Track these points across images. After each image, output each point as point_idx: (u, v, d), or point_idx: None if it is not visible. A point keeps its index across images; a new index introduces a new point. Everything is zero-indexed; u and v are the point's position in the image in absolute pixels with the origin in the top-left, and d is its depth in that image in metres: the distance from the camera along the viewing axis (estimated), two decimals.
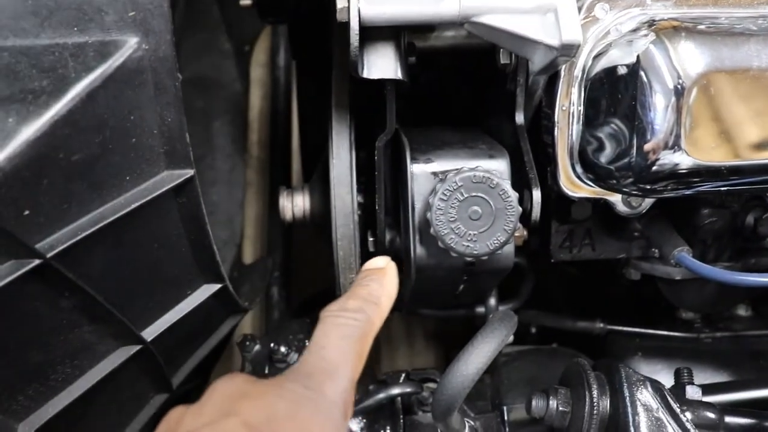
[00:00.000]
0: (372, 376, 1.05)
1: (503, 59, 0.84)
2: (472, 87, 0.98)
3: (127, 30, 0.68)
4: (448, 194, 0.75)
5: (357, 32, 0.73)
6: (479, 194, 0.75)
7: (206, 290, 0.87)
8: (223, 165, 1.48)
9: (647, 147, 0.78)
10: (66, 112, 0.65)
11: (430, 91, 1.00)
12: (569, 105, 0.84)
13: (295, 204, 0.96)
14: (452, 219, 0.75)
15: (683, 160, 0.78)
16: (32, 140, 0.64)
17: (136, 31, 0.68)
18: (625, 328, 1.14)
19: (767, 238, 0.98)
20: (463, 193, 0.75)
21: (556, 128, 0.84)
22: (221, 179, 1.46)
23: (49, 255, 0.68)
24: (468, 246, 0.76)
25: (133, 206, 0.72)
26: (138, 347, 0.82)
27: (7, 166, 0.63)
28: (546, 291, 1.25)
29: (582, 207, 0.94)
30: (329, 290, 1.39)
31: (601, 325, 1.16)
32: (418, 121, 1.04)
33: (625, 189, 0.84)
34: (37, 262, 0.67)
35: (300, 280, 1.42)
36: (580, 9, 0.82)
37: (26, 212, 0.66)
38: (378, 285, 0.72)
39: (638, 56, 0.78)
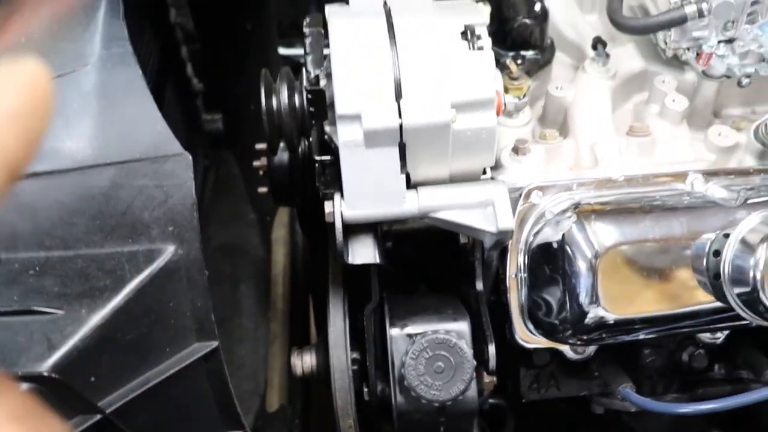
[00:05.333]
0: None
1: (462, 239, 1.11)
2: (445, 257, 1.24)
3: (167, 240, 0.96)
4: (416, 354, 1.00)
5: (341, 230, 1.01)
6: (441, 352, 1.01)
7: None
8: (249, 324, 1.74)
9: (576, 306, 1.03)
10: (123, 304, 0.93)
11: (412, 259, 1.27)
12: (517, 272, 1.09)
13: (304, 362, 1.21)
14: (421, 373, 1.00)
15: (606, 315, 1.03)
16: (98, 326, 0.92)
17: (173, 241, 0.96)
18: None
19: (707, 371, 1.21)
20: (428, 352, 1.01)
21: (508, 293, 1.10)
22: (247, 337, 1.72)
23: (108, 411, 0.94)
24: (435, 394, 1.00)
25: (171, 372, 0.98)
26: None
27: (81, 346, 0.91)
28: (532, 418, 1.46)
29: (541, 354, 1.18)
30: None
31: None
32: (406, 282, 1.31)
33: (569, 340, 1.09)
34: (98, 417, 0.93)
35: (318, 426, 1.65)
36: (520, 196, 1.10)
37: (92, 379, 0.93)
38: None
39: (563, 234, 1.05)
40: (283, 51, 1.85)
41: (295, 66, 1.73)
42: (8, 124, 0.40)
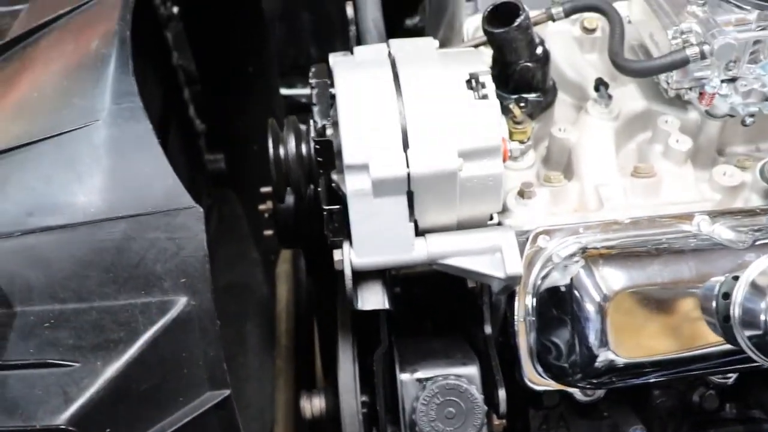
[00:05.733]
0: None
1: (470, 284, 1.14)
2: (452, 300, 1.27)
3: (180, 291, 0.99)
4: (427, 400, 1.03)
5: (350, 278, 1.03)
6: (452, 398, 1.03)
7: None
8: (254, 362, 1.77)
9: (585, 350, 1.06)
10: (137, 355, 0.96)
11: (419, 301, 1.29)
12: (526, 316, 1.12)
13: (313, 405, 1.24)
14: (432, 419, 1.03)
15: (616, 358, 1.06)
16: (113, 378, 0.94)
17: (186, 292, 0.99)
18: None
19: (718, 412, 1.23)
20: (439, 398, 1.03)
21: (517, 336, 1.12)
22: (253, 375, 1.75)
23: None
24: None
25: (185, 420, 1.00)
26: None
27: (96, 398, 0.93)
28: None
29: (551, 395, 1.20)
30: None
31: None
32: (413, 324, 1.34)
33: (579, 384, 1.11)
34: None
35: None
36: (527, 240, 1.12)
37: (108, 430, 0.95)
38: None
39: (571, 278, 1.07)
40: (284, 91, 1.90)
41: (297, 105, 1.77)
42: None
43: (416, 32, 1.73)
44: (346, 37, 1.81)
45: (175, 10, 1.67)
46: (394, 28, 1.65)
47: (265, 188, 1.42)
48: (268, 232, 1.45)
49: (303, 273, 1.87)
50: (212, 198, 1.97)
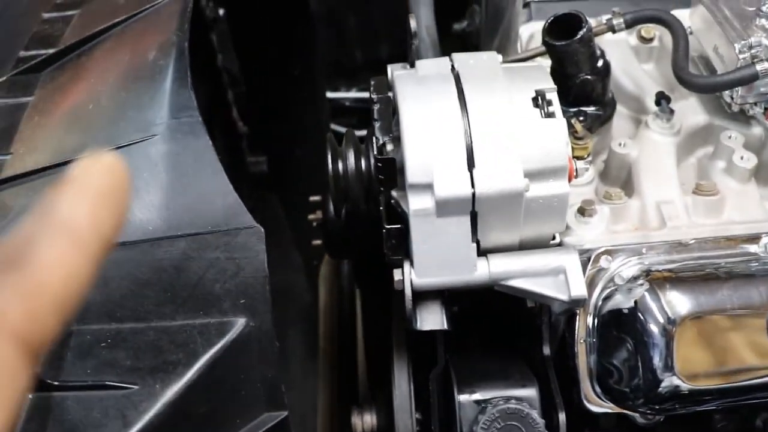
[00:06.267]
0: None
1: (530, 303, 1.11)
2: (509, 318, 1.24)
3: (239, 312, 0.97)
4: (488, 424, 1.00)
5: (410, 299, 1.01)
6: (513, 422, 1.00)
7: None
8: (297, 370, 1.75)
9: (649, 375, 1.03)
10: (196, 377, 0.94)
11: (476, 318, 1.27)
12: (586, 337, 1.09)
13: (365, 422, 1.22)
14: None
15: (681, 385, 1.02)
16: (172, 401, 0.92)
17: (245, 313, 0.97)
18: None
19: None
20: (500, 422, 1.00)
21: (577, 357, 1.09)
22: (296, 384, 1.73)
23: None
24: None
25: None
26: None
27: (155, 422, 0.91)
28: None
29: (608, 418, 1.17)
30: None
31: None
32: (463, 339, 1.31)
33: (640, 409, 1.08)
34: None
35: None
36: (589, 260, 1.09)
37: None
38: None
39: (635, 301, 1.04)
40: (330, 94, 1.87)
41: (340, 108, 1.75)
42: (102, 201, 0.46)
43: (464, 37, 1.70)
44: (391, 40, 1.78)
45: (221, 12, 1.65)
46: (441, 32, 1.62)
47: (314, 197, 1.40)
48: (317, 242, 1.43)
49: (345, 278, 1.85)
50: (253, 201, 1.94)
